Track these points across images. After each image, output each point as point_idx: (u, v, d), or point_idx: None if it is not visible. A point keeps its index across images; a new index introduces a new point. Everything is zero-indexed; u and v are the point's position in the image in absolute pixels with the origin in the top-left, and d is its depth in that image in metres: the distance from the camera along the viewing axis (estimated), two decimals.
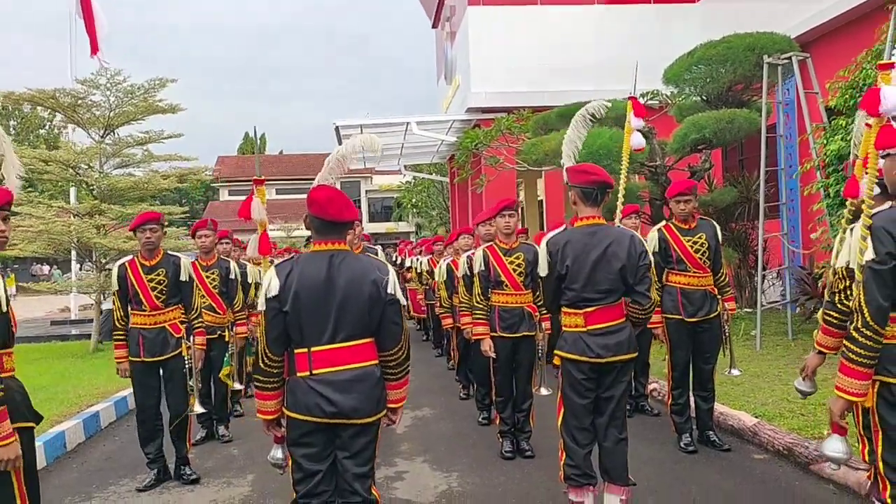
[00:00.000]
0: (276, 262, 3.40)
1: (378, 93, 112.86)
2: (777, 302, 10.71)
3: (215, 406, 6.58)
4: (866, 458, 3.63)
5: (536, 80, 15.81)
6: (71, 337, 14.85)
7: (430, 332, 12.36)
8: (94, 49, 12.33)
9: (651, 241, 5.51)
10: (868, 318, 2.80)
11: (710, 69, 10.62)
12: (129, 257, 5.25)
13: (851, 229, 3.57)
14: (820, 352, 3.78)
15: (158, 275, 5.14)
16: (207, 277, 6.44)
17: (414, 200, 29.63)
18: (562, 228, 4.14)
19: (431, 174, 25.25)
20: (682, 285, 5.46)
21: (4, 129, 3.26)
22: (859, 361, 2.85)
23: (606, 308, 3.90)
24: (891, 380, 2.84)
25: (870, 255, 2.81)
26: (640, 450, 5.41)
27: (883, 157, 2.85)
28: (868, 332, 2.81)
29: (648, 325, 4.92)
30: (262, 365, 3.28)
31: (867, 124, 3.22)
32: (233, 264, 6.73)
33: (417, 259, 12.06)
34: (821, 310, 3.82)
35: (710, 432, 5.64)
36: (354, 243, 6.70)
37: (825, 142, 8.58)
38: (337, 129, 17.60)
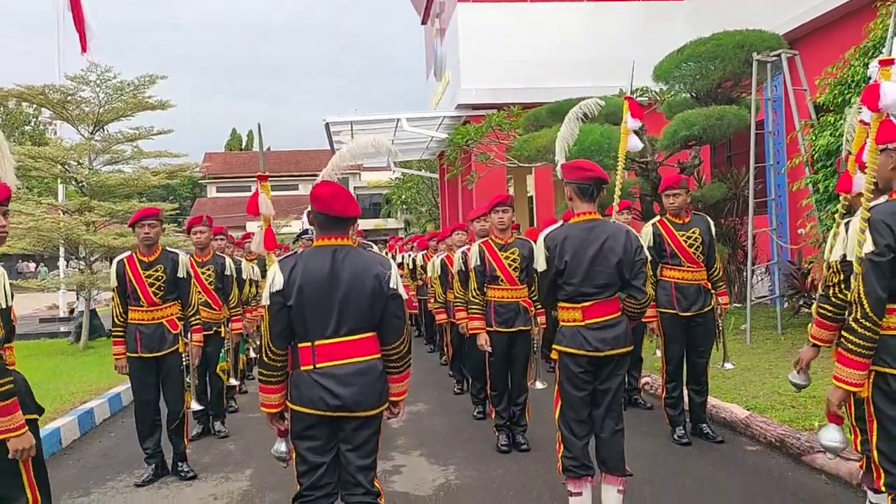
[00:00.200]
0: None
1: (372, 91, 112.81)
2: (766, 297, 10.82)
3: (211, 402, 6.59)
4: (859, 448, 3.72)
5: (526, 77, 15.85)
6: (60, 334, 14.78)
7: (423, 327, 12.41)
8: (84, 47, 12.29)
9: (645, 235, 5.57)
10: (867, 310, 2.86)
11: (699, 66, 10.70)
12: (128, 253, 5.26)
13: (846, 223, 3.64)
14: (814, 345, 3.84)
15: (157, 271, 5.15)
16: (203, 274, 6.46)
17: (403, 197, 29.65)
18: (558, 224, 4.18)
19: (421, 170, 25.26)
20: (676, 280, 5.53)
21: None
22: (858, 352, 2.91)
23: (604, 302, 3.95)
24: (887, 370, 2.90)
25: (869, 247, 2.86)
26: (634, 442, 5.47)
27: (881, 150, 2.91)
28: (867, 324, 2.87)
29: (643, 320, 4.98)
30: (265, 359, 3.31)
31: (861, 121, 3.29)
32: (228, 260, 6.75)
33: (409, 255, 12.10)
34: (815, 303, 3.88)
35: (704, 425, 5.72)
36: (353, 239, 6.73)
37: (814, 138, 8.68)
38: (327, 125, 17.59)
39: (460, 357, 7.98)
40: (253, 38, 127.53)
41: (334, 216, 3.25)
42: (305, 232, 7.73)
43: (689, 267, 5.50)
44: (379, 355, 3.32)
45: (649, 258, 4.77)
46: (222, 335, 6.64)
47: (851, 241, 3.02)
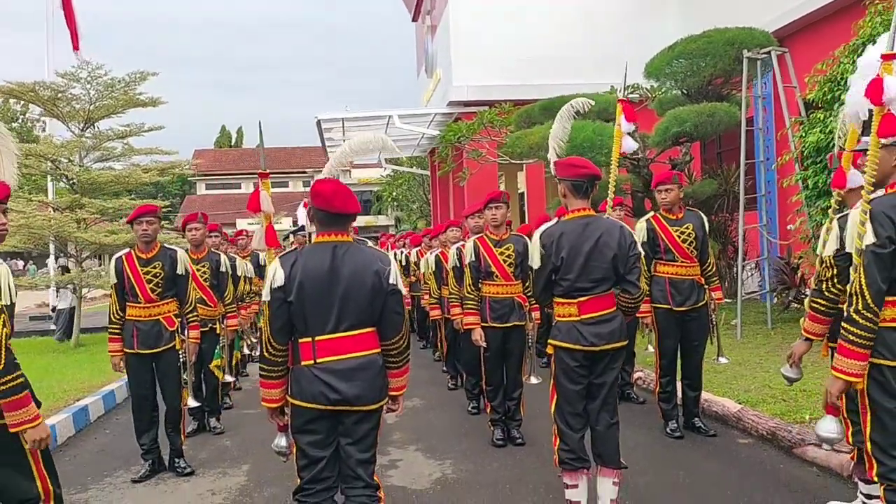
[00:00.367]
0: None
1: (361, 88, 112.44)
2: (755, 292, 10.92)
3: (207, 398, 6.61)
4: (850, 440, 3.79)
5: (518, 74, 15.90)
6: (50, 332, 14.74)
7: (415, 324, 12.44)
8: (76, 45, 12.25)
9: (639, 231, 5.63)
10: (869, 301, 2.90)
11: (690, 63, 10.77)
12: (127, 250, 5.27)
13: (839, 218, 3.70)
14: (807, 339, 3.90)
15: (154, 268, 5.17)
16: (198, 270, 6.45)
17: (394, 194, 29.66)
18: (553, 222, 4.21)
19: (412, 167, 25.28)
20: (670, 275, 5.59)
21: None
22: (859, 343, 2.94)
23: (599, 297, 3.99)
24: (882, 361, 2.94)
25: (870, 238, 2.90)
26: (628, 436, 5.51)
27: (884, 145, 2.95)
28: (868, 315, 2.91)
29: (637, 315, 5.03)
30: (266, 354, 3.34)
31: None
32: (223, 257, 6.76)
33: (402, 252, 12.13)
34: (808, 298, 3.94)
35: (696, 419, 5.79)
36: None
37: (803, 134, 8.76)
38: (319, 122, 17.59)
39: (454, 353, 8.03)
40: (240, 33, 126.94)
41: (335, 213, 3.29)
42: (301, 228, 7.75)
43: (682, 262, 5.56)
44: (378, 350, 3.36)
45: (643, 254, 4.82)
46: (218, 332, 6.66)
47: (851, 233, 3.05)
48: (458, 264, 6.21)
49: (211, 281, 6.56)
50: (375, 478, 3.42)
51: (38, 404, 3.37)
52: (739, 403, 6.01)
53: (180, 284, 5.31)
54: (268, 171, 3.92)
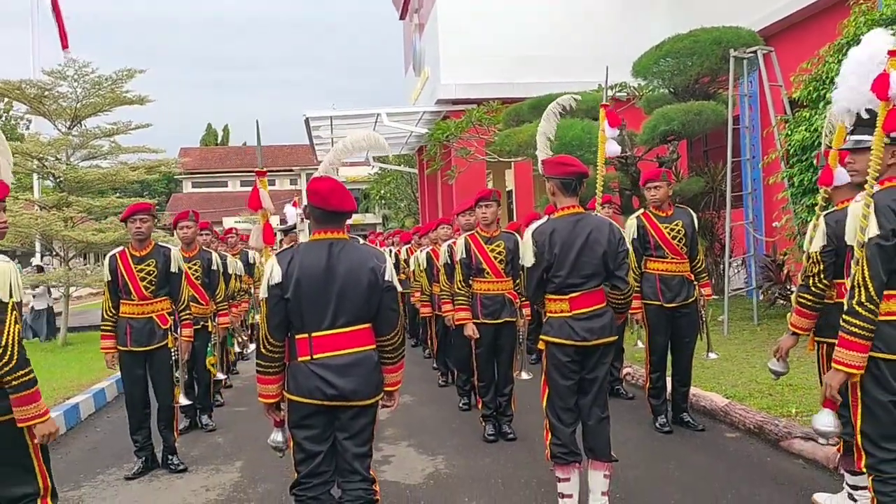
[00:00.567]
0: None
1: (348, 85, 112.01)
2: (742, 289, 11.03)
3: (198, 396, 6.62)
4: None
5: (506, 72, 15.96)
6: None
7: (406, 321, 12.48)
8: (65, 44, 12.21)
9: (630, 228, 5.69)
10: (872, 293, 2.94)
11: (677, 62, 10.87)
12: (120, 248, 5.28)
13: (825, 215, 3.78)
14: (794, 333, 3.97)
15: (148, 265, 5.18)
16: (190, 269, 6.45)
17: (382, 192, 29.64)
18: (544, 219, 4.27)
19: (400, 165, 25.30)
20: (660, 272, 5.65)
21: None
22: (861, 335, 2.98)
23: (589, 293, 4.05)
24: (878, 355, 3.00)
25: (874, 231, 2.94)
26: (618, 430, 5.54)
27: (890, 142, 3.01)
28: (870, 306, 2.95)
29: (629, 311, 5.09)
30: (263, 350, 3.37)
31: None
32: (215, 255, 6.77)
33: (391, 250, 12.16)
34: (795, 293, 4.01)
35: (685, 414, 5.86)
36: None
37: (789, 133, 8.86)
38: (307, 120, 17.58)
39: (445, 350, 8.08)
40: (226, 30, 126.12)
41: (331, 210, 3.32)
42: (293, 227, 7.77)
43: (672, 259, 5.62)
44: (374, 346, 3.41)
45: (631, 250, 4.89)
46: (209, 330, 6.67)
47: (852, 226, 3.07)
48: (449, 261, 6.27)
49: (202, 279, 6.58)
50: (371, 472, 3.47)
51: None
52: (727, 398, 6.09)
53: (174, 282, 5.32)
54: (265, 169, 3.93)
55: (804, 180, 8.46)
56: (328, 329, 3.29)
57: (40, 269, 14.94)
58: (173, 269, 5.27)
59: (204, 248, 6.82)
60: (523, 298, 5.74)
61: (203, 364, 6.60)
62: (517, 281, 5.65)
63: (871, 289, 2.94)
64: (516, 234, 5.86)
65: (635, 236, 5.67)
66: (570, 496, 4.07)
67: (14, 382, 3.02)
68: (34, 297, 14.17)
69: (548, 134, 5.32)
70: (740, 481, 4.63)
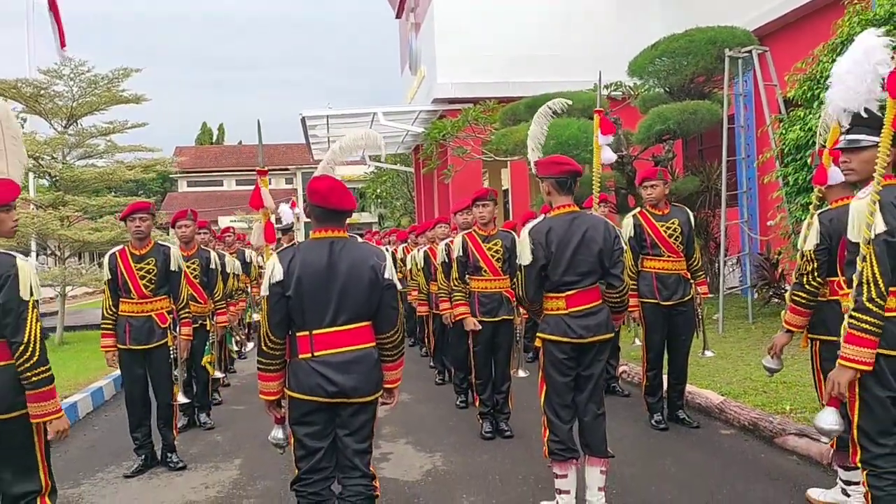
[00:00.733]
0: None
1: (344, 85, 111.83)
2: (737, 287, 11.09)
3: (197, 394, 6.64)
4: None
5: (502, 71, 15.99)
6: None
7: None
8: (63, 42, 12.20)
9: (626, 226, 5.74)
10: (882, 289, 2.95)
11: (672, 62, 10.92)
12: (120, 247, 5.31)
13: (819, 214, 3.82)
14: (788, 330, 4.02)
15: (148, 264, 5.21)
16: (188, 267, 6.47)
17: (378, 191, 29.64)
18: (540, 218, 4.30)
19: (396, 164, 25.32)
20: (657, 270, 5.69)
21: None
22: (871, 331, 2.98)
23: (585, 291, 4.10)
24: (880, 351, 3.01)
25: (881, 227, 2.96)
26: (614, 427, 5.60)
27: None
28: (881, 302, 2.96)
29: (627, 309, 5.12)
30: (264, 348, 3.41)
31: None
32: (213, 254, 6.80)
33: (387, 248, 12.18)
34: (789, 291, 4.06)
35: (680, 412, 5.90)
36: None
37: (783, 132, 8.91)
38: (303, 119, 17.59)
39: (442, 348, 8.12)
40: (226, 30, 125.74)
41: (331, 209, 3.36)
42: (290, 227, 7.81)
43: (669, 257, 5.67)
44: (374, 344, 3.44)
45: (625, 248, 4.93)
46: (208, 328, 6.69)
47: (857, 223, 3.08)
48: (446, 260, 6.30)
49: (201, 278, 6.60)
50: (371, 468, 3.50)
51: None
52: (722, 395, 6.14)
53: (173, 281, 5.35)
54: (266, 168, 3.96)
55: (798, 179, 8.52)
56: (329, 327, 3.32)
57: None
58: (173, 267, 5.30)
59: (202, 246, 6.84)
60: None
61: (201, 363, 6.62)
62: (514, 280, 5.68)
63: (882, 285, 2.96)
64: (513, 233, 5.90)
65: (632, 235, 5.71)
66: (567, 492, 4.11)
67: (34, 378, 3.12)
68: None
69: (538, 138, 5.38)
70: (735, 477, 4.68)
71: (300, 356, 3.35)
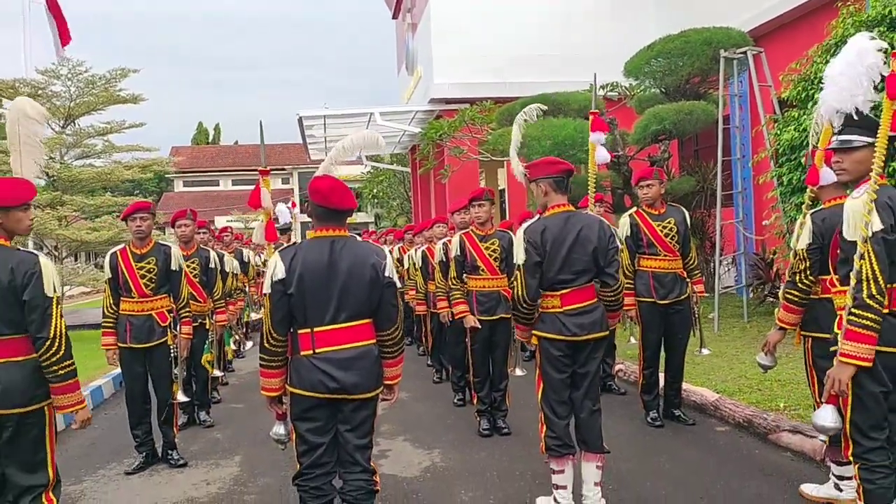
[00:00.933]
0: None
1: (341, 85, 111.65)
2: (732, 286, 11.17)
3: (197, 392, 6.69)
4: None
5: (499, 72, 16.04)
6: None
7: None
8: (65, 40, 12.19)
9: (623, 226, 5.81)
10: (882, 285, 3.01)
11: (668, 62, 10.99)
12: (121, 246, 5.36)
13: (812, 213, 3.89)
14: (781, 328, 4.09)
15: (148, 263, 5.26)
16: (188, 267, 6.51)
17: (375, 191, 29.69)
18: (535, 218, 4.36)
19: (392, 164, 25.37)
20: (653, 269, 5.75)
21: None
22: (872, 327, 3.03)
23: (580, 289, 4.15)
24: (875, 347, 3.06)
25: (878, 225, 3.02)
26: (610, 425, 5.66)
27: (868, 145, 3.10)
28: (881, 299, 3.02)
29: (623, 308, 5.17)
30: (266, 345, 3.46)
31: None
32: (212, 253, 6.85)
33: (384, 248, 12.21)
34: (782, 289, 4.12)
35: (676, 410, 5.96)
36: None
37: (778, 132, 8.97)
38: (300, 119, 17.61)
39: (440, 347, 8.17)
40: (226, 30, 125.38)
41: (332, 208, 3.42)
42: (288, 228, 7.86)
43: (665, 256, 5.72)
44: (374, 341, 3.50)
45: (619, 247, 4.98)
46: (207, 327, 6.74)
47: (853, 222, 3.13)
48: (444, 259, 6.36)
49: (200, 277, 6.65)
50: (372, 463, 3.56)
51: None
52: (717, 393, 6.21)
53: (173, 280, 5.40)
54: (269, 168, 4.01)
55: (793, 179, 8.57)
56: (330, 324, 3.38)
57: None
58: (173, 266, 5.35)
59: (202, 246, 6.89)
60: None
61: (200, 361, 6.67)
62: (511, 279, 5.74)
63: (882, 281, 3.01)
64: (510, 233, 5.96)
65: (629, 234, 5.77)
66: (564, 487, 4.16)
67: (61, 372, 3.27)
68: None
69: (518, 144, 5.52)
70: (730, 474, 4.74)
71: (302, 353, 3.40)
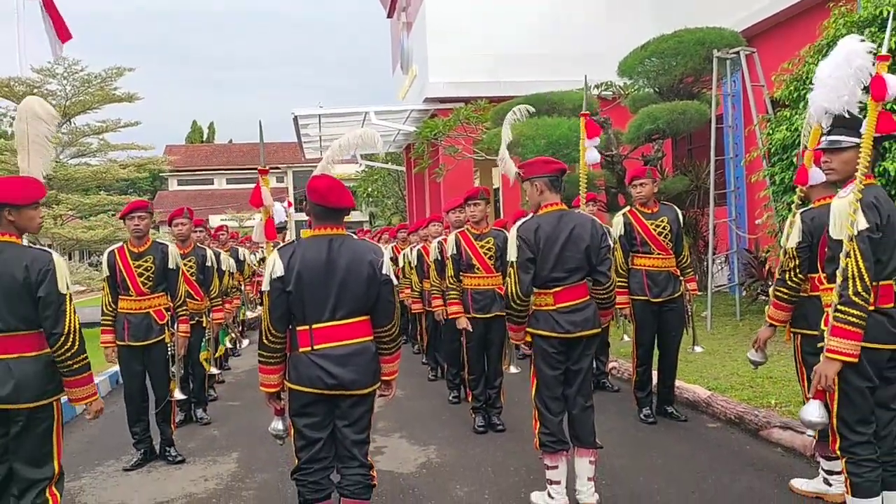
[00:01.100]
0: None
1: (335, 84, 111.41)
2: (725, 285, 11.25)
3: (194, 389, 6.73)
4: None
5: (494, 71, 16.10)
6: None
7: None
8: (63, 36, 12.19)
9: (616, 224, 5.87)
10: (868, 283, 3.08)
11: (662, 62, 11.06)
12: (119, 244, 5.40)
13: (801, 212, 3.96)
14: (771, 325, 4.16)
15: (146, 261, 5.30)
16: (185, 265, 6.56)
17: (369, 190, 29.71)
18: (528, 217, 4.41)
19: (387, 163, 25.40)
20: (646, 267, 5.80)
21: None
22: (858, 324, 3.10)
23: (573, 287, 4.21)
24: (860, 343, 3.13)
25: (863, 224, 3.09)
26: (603, 421, 5.73)
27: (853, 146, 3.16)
28: (866, 296, 3.09)
29: (616, 305, 5.24)
30: (265, 342, 3.51)
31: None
32: (209, 252, 6.89)
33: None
34: (772, 287, 4.19)
35: (669, 407, 6.03)
36: None
37: (770, 132, 9.05)
38: (295, 118, 17.64)
39: (435, 345, 8.23)
40: (226, 30, 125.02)
41: (330, 207, 3.47)
42: (284, 226, 7.90)
43: (658, 254, 5.78)
44: (372, 337, 3.56)
45: (611, 246, 5.04)
46: (204, 325, 6.78)
47: (839, 221, 3.19)
48: (439, 258, 6.41)
49: (197, 275, 6.69)
50: (369, 458, 3.62)
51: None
52: (709, 390, 6.28)
53: (171, 278, 5.44)
54: (268, 167, 4.06)
55: (785, 178, 8.65)
56: (328, 321, 3.43)
57: None
58: (171, 265, 5.39)
59: (198, 244, 6.93)
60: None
61: (198, 359, 6.71)
62: (505, 278, 5.79)
63: (867, 279, 3.08)
64: (505, 231, 6.01)
65: (622, 233, 5.83)
66: (557, 482, 4.22)
67: (75, 366, 3.38)
68: None
69: (507, 144, 5.57)
70: (721, 469, 4.80)
71: (300, 349, 3.45)
